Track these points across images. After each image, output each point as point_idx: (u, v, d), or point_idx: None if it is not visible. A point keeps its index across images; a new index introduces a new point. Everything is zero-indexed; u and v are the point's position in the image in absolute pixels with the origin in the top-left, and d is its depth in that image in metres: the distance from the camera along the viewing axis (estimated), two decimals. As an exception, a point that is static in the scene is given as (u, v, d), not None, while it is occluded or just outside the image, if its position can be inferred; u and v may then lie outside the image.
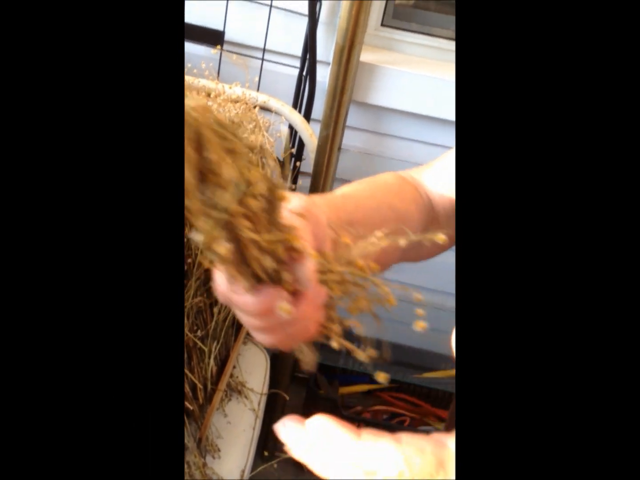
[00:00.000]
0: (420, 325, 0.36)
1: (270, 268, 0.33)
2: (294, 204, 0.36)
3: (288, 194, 0.33)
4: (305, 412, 1.22)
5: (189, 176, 0.28)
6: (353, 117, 1.17)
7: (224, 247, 0.29)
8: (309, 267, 0.34)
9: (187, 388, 0.76)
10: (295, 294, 0.35)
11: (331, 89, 1.00)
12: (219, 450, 0.76)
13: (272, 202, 0.31)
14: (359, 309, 0.36)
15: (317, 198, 0.45)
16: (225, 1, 1.09)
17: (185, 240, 0.84)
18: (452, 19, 1.21)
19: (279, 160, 0.98)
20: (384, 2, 1.18)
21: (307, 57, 1.07)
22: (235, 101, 0.94)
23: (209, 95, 0.94)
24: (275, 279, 0.34)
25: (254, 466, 0.83)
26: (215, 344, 0.83)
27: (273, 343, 0.39)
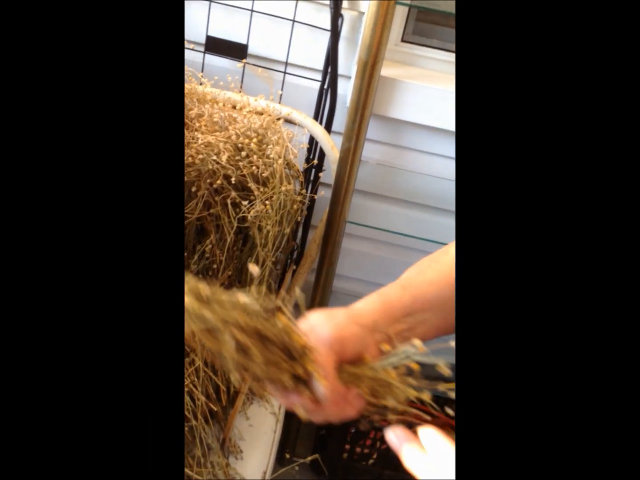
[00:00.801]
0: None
1: (288, 384, 0.43)
2: (322, 332, 0.46)
3: (303, 336, 0.43)
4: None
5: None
6: (373, 130, 1.19)
7: (234, 378, 0.41)
8: (318, 387, 0.43)
9: (210, 390, 0.78)
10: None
11: (354, 102, 1.02)
12: (241, 451, 0.77)
13: (285, 344, 0.41)
14: (395, 406, 0.44)
15: (369, 304, 0.52)
16: (249, 16, 1.12)
17: (211, 246, 0.85)
18: (470, 34, 1.23)
19: (300, 171, 1.00)
20: (405, 19, 1.21)
21: (329, 70, 1.10)
22: (260, 113, 0.97)
23: (234, 107, 0.97)
24: (299, 389, 0.44)
25: (275, 469, 0.84)
26: (238, 348, 0.85)
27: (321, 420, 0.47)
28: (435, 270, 0.55)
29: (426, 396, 0.44)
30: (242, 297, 0.41)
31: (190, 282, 0.38)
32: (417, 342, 0.44)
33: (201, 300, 0.38)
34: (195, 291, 0.38)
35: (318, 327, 0.46)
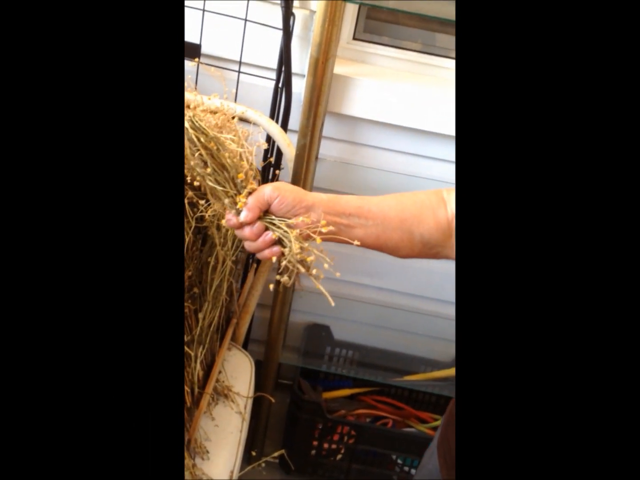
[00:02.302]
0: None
1: (227, 205, 0.63)
2: (268, 186, 0.63)
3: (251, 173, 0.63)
4: (290, 416, 1.23)
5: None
6: (329, 127, 1.20)
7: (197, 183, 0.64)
8: (241, 213, 0.62)
9: (174, 392, 0.77)
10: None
11: (307, 100, 1.03)
12: (207, 452, 0.77)
13: (234, 177, 0.62)
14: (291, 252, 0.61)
15: (323, 195, 0.65)
16: (202, 16, 1.12)
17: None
18: (421, 32, 1.26)
19: (258, 170, 1.00)
20: (356, 17, 1.22)
21: (283, 69, 1.10)
22: (214, 112, 0.96)
23: (188, 106, 0.96)
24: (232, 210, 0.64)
25: (242, 468, 0.84)
26: (200, 348, 0.84)
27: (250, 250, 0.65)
28: (395, 198, 0.65)
29: (308, 258, 0.60)
30: (221, 136, 0.64)
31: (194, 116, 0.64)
32: (318, 239, 0.61)
33: (196, 129, 0.63)
34: (193, 122, 0.63)
35: (270, 184, 0.63)
